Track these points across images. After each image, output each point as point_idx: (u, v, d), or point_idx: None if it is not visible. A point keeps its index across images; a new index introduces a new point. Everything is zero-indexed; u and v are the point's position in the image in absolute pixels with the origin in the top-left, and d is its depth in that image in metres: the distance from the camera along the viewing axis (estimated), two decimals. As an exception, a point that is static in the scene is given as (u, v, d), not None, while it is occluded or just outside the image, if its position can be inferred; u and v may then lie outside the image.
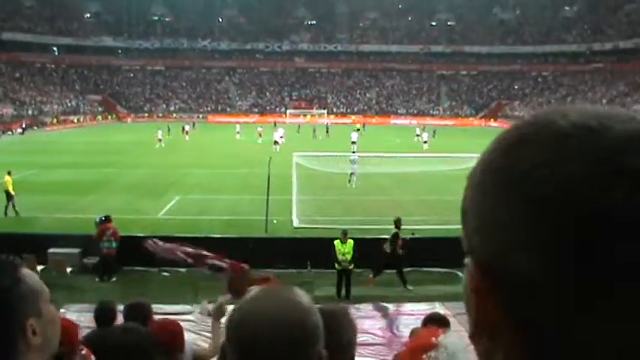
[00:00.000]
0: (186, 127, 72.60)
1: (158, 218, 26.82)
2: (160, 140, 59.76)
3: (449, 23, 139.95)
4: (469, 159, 29.21)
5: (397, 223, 19.09)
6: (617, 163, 0.63)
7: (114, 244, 19.12)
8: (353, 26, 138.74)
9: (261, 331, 1.47)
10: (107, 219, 19.63)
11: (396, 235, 18.86)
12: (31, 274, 1.80)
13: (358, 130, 73.71)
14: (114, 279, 19.16)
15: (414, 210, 27.05)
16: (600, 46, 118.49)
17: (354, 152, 34.50)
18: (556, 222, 0.64)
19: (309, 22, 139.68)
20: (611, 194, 0.62)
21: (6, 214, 26.84)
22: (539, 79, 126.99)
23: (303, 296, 1.70)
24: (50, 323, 1.78)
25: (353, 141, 54.83)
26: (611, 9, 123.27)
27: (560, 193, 0.64)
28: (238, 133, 72.17)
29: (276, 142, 53.98)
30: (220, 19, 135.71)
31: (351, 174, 33.49)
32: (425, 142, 59.90)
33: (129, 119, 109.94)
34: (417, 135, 66.42)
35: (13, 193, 27.10)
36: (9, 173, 27.85)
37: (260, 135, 64.54)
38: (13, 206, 26.96)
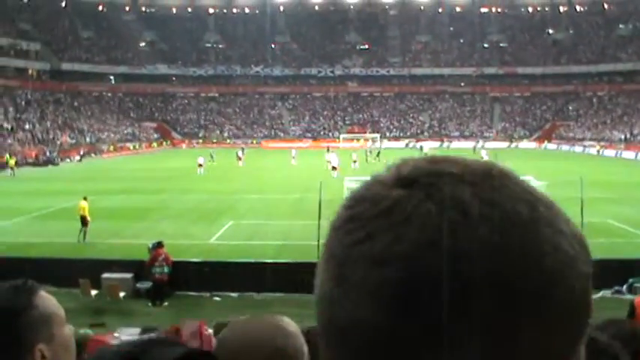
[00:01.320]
0: (239, 153, 72.72)
1: (211, 243, 27.00)
2: (200, 166, 59.60)
3: (501, 45, 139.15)
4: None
5: None
6: None
7: (166, 270, 19.31)
8: (405, 50, 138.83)
9: (243, 351, 1.50)
10: (159, 244, 19.85)
11: None
12: (47, 298, 1.81)
13: (426, 154, 74.13)
14: (166, 304, 19.33)
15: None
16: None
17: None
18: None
19: (361, 47, 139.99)
20: None
21: (80, 239, 27.17)
22: (595, 99, 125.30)
23: (289, 323, 1.70)
24: (62, 347, 1.79)
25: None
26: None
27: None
28: (294, 158, 72.38)
29: (334, 168, 53.57)
30: (273, 46, 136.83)
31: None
32: None
33: (183, 145, 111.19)
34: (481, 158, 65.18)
35: (89, 218, 27.41)
36: (85, 199, 28.21)
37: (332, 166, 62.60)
38: (84, 233, 27.25)
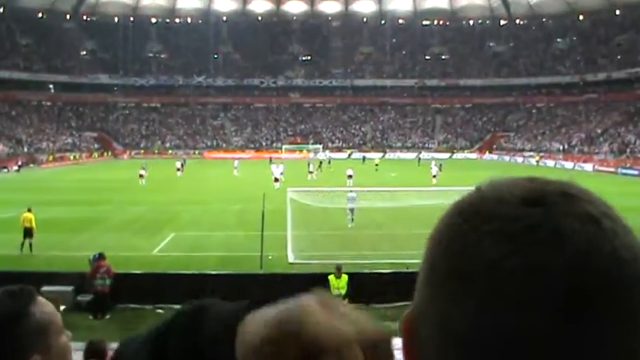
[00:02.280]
0: (178, 164, 72.01)
1: (153, 255, 26.73)
2: (141, 177, 58.73)
3: (442, 57, 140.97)
4: (466, 191, 29.30)
5: None
6: None
7: (107, 282, 19.05)
8: (347, 61, 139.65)
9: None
10: (101, 256, 19.57)
11: None
12: (44, 305, 1.74)
13: (377, 165, 74.95)
14: (108, 317, 19.08)
15: (408, 244, 27.02)
16: (593, 76, 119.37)
17: (351, 191, 34.33)
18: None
19: (304, 58, 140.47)
20: None
21: (23, 251, 26.62)
22: (534, 111, 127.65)
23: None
24: (59, 358, 1.72)
25: (349, 175, 54.84)
26: (602, 40, 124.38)
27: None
28: (236, 168, 72.12)
29: (276, 180, 53.11)
30: (215, 56, 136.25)
31: (351, 210, 33.20)
32: (434, 176, 59.38)
33: (125, 156, 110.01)
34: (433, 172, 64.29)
35: (35, 230, 26.89)
36: (29, 210, 27.67)
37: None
38: (30, 245, 26.71)
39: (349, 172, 55.19)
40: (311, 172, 63.67)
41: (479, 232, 0.75)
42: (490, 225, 0.74)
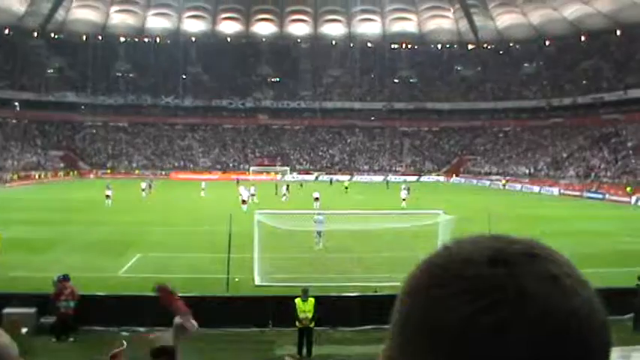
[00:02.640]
0: (143, 185, 71.36)
1: (118, 276, 26.46)
2: (108, 197, 57.86)
3: (411, 80, 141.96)
4: (434, 215, 29.41)
5: None
6: None
7: (72, 304, 18.79)
8: (316, 83, 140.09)
9: None
10: (65, 278, 19.30)
11: None
12: None
13: (347, 188, 75.02)
14: (71, 339, 18.80)
15: (376, 267, 27.03)
16: (559, 101, 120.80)
17: (319, 214, 34.23)
18: None
19: (273, 80, 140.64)
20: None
21: None
22: (501, 135, 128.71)
23: None
24: None
25: (315, 197, 54.79)
26: (568, 66, 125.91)
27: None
28: (203, 190, 71.86)
29: (244, 202, 52.70)
30: (184, 76, 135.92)
31: (318, 233, 33.12)
32: (403, 199, 59.51)
33: (91, 175, 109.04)
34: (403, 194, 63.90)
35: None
36: None
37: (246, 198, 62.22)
38: None
39: (315, 194, 55.14)
40: (284, 195, 63.55)
41: (448, 290, 0.80)
42: (458, 284, 0.80)
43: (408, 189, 64.33)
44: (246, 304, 20.99)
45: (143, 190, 69.40)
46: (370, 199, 65.97)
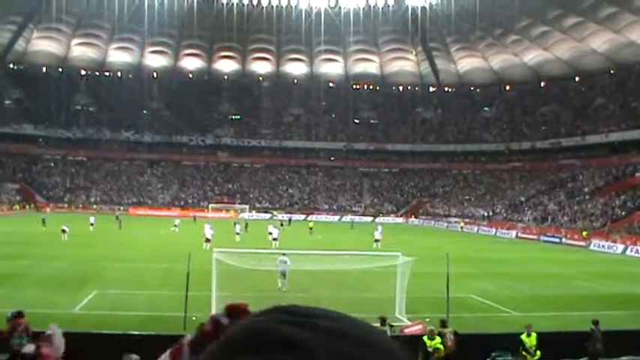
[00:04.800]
0: (91, 220, 71.16)
1: (74, 313, 26.08)
2: (64, 232, 57.13)
3: (371, 121, 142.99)
4: (393, 257, 29.52)
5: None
6: None
7: (25, 341, 18.45)
8: (277, 122, 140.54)
9: None
10: (19, 314, 18.97)
11: None
12: None
13: (311, 229, 74.37)
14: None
15: (333, 308, 26.87)
16: (518, 145, 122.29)
17: (284, 254, 34.04)
18: None
19: (234, 117, 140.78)
20: None
21: None
22: (460, 177, 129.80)
23: None
24: None
25: (274, 237, 54.64)
26: (528, 110, 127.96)
27: None
28: (176, 226, 72.25)
29: (207, 240, 51.89)
30: (144, 111, 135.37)
31: (282, 274, 32.87)
32: (376, 240, 59.56)
33: (48, 209, 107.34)
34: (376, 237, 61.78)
35: None
36: None
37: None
38: None
39: (274, 234, 55.13)
40: (238, 234, 62.75)
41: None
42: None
43: (381, 231, 64.39)
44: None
45: (92, 224, 68.99)
46: (331, 239, 65.91)
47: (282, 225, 79.67)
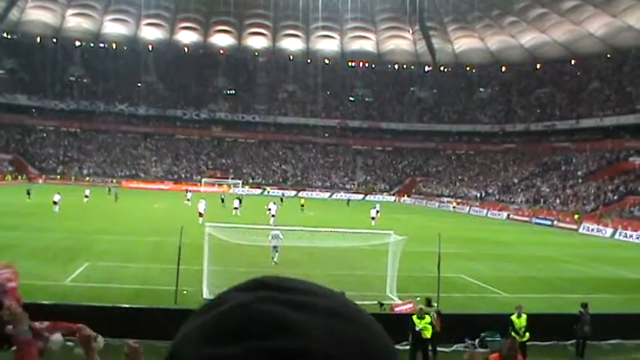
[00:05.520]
0: (87, 192, 70.45)
1: (65, 285, 26.07)
2: (55, 203, 56.95)
3: (366, 99, 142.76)
4: (385, 235, 29.56)
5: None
6: None
7: (16, 311, 18.46)
8: (271, 98, 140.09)
9: None
10: (11, 285, 18.99)
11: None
12: None
13: (303, 205, 74.29)
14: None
15: (325, 284, 26.99)
16: (512, 127, 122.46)
17: (276, 226, 34.00)
18: None
19: (228, 92, 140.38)
20: None
21: None
22: (454, 157, 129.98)
23: None
24: None
25: (272, 214, 54.67)
26: (522, 92, 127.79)
27: None
28: (189, 200, 73.52)
29: (201, 214, 51.77)
30: (139, 84, 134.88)
31: (274, 248, 32.96)
32: (372, 218, 60.03)
33: (40, 180, 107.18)
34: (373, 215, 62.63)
35: None
36: None
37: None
38: None
39: (273, 210, 55.27)
40: (236, 208, 63.02)
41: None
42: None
43: (378, 209, 64.62)
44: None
45: (86, 197, 68.51)
46: (324, 217, 65.84)
47: (282, 200, 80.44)
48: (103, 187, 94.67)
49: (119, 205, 68.49)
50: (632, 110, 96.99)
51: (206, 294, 24.49)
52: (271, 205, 57.25)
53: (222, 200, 74.99)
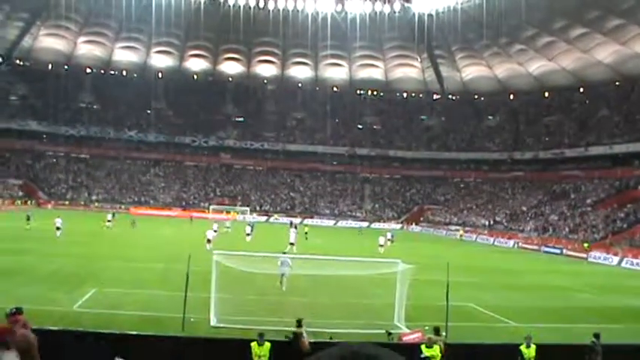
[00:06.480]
0: (109, 217, 70.66)
1: (72, 311, 25.96)
2: (58, 229, 56.80)
3: (375, 127, 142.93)
4: (393, 264, 29.40)
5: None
6: None
7: (23, 338, 18.38)
8: (280, 125, 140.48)
9: None
10: (18, 311, 18.89)
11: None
12: None
13: (307, 234, 73.19)
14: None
15: (332, 313, 26.88)
16: (521, 155, 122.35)
17: (284, 252, 33.87)
18: None
19: (237, 119, 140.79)
20: None
21: None
22: (462, 185, 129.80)
23: None
24: None
25: (291, 242, 54.54)
26: (531, 120, 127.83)
27: None
28: (228, 228, 74.30)
29: (209, 241, 51.93)
30: (148, 111, 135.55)
31: (282, 275, 32.85)
32: (381, 245, 60.00)
33: (49, 206, 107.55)
34: (385, 241, 62.93)
35: None
36: None
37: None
38: None
39: (292, 238, 55.35)
40: (249, 235, 63.33)
41: None
42: None
43: (392, 237, 64.63)
44: (202, 345, 20.70)
45: (109, 221, 68.90)
46: (332, 244, 65.68)
47: (295, 227, 77.63)
48: (107, 212, 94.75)
49: (136, 231, 68.65)
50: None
51: (213, 322, 24.38)
52: (291, 232, 57.29)
53: (228, 227, 75.16)
